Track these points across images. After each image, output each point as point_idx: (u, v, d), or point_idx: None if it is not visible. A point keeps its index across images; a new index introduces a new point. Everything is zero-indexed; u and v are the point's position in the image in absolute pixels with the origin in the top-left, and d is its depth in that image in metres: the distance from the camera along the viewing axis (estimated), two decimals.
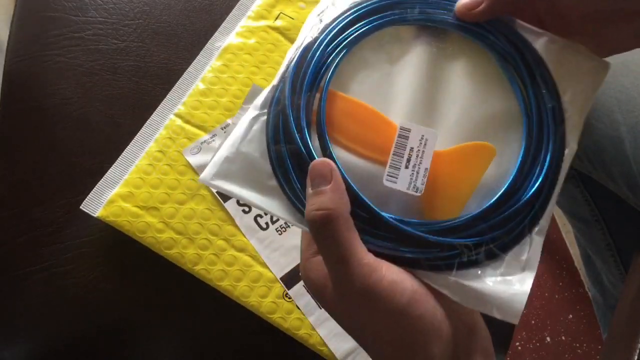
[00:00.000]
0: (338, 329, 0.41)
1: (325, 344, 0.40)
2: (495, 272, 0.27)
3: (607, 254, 0.59)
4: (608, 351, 0.49)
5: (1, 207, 0.41)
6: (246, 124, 0.29)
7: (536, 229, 0.28)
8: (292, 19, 0.46)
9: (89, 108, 0.44)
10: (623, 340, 0.47)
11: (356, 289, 0.24)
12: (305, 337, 0.40)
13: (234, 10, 0.46)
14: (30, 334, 0.40)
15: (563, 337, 1.03)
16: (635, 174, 0.49)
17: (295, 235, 0.42)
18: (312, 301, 0.41)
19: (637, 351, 0.45)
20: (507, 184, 0.29)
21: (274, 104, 0.29)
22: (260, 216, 0.42)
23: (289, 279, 0.41)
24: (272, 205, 0.28)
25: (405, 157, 0.28)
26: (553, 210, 0.29)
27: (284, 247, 0.41)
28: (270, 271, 0.41)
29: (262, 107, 0.29)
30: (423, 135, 0.29)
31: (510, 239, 0.28)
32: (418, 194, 0.28)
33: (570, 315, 1.04)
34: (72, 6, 0.46)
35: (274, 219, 0.42)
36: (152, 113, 0.43)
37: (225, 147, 0.29)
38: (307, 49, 0.30)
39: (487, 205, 0.28)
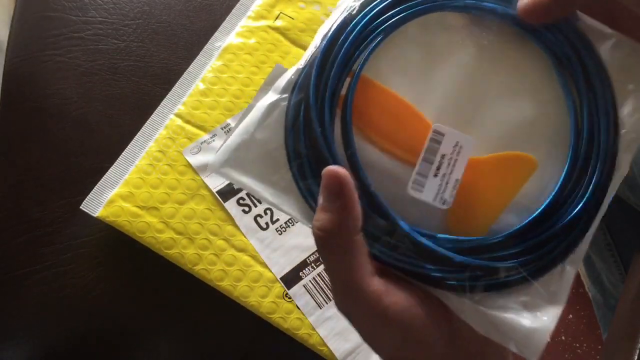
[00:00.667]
0: (338, 329, 0.41)
1: (325, 344, 0.40)
2: (518, 301, 0.25)
3: (607, 254, 0.59)
4: (608, 351, 0.49)
5: (1, 207, 0.41)
6: (264, 109, 0.26)
7: (570, 257, 0.25)
8: (292, 19, 0.46)
9: (89, 108, 0.44)
10: (623, 340, 0.47)
11: (358, 314, 0.24)
12: (305, 337, 0.40)
13: (233, 10, 0.46)
14: (30, 334, 0.40)
15: (563, 337, 1.03)
16: (635, 174, 0.49)
17: (295, 236, 0.42)
18: (312, 301, 0.41)
19: (637, 351, 0.45)
20: (545, 204, 0.25)
21: (297, 89, 0.26)
22: (260, 216, 0.42)
23: (289, 279, 0.41)
24: (284, 201, 0.25)
25: (435, 164, 0.25)
26: (591, 238, 0.26)
27: (284, 247, 0.41)
28: (270, 271, 0.41)
29: (284, 90, 0.26)
30: (458, 142, 0.25)
31: (540, 265, 0.25)
32: (444, 207, 0.25)
33: (570, 315, 1.04)
34: (72, 6, 0.46)
35: (274, 218, 0.42)
36: (152, 113, 0.43)
37: (239, 132, 0.26)
38: (340, 29, 0.26)
39: (520, 225, 0.25)
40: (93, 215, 0.40)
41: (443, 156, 0.25)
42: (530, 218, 0.25)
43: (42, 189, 0.42)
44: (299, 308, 0.40)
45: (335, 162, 0.24)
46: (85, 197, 0.40)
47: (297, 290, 0.41)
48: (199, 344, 0.41)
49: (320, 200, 0.23)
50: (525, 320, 0.24)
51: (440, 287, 0.24)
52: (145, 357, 0.41)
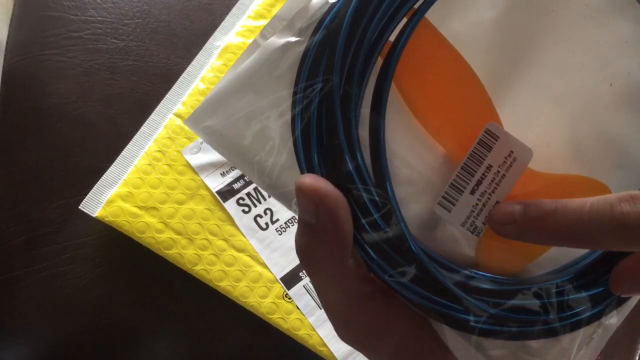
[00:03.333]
0: None
1: (325, 345, 0.40)
2: (532, 356, 0.20)
3: None
4: (608, 351, 0.49)
5: None
6: (271, 52, 0.18)
7: (611, 316, 0.20)
8: None
9: (88, 108, 0.44)
10: (623, 340, 0.47)
11: (351, 339, 0.21)
12: (306, 337, 0.40)
13: (233, 9, 0.46)
14: (29, 334, 0.40)
15: None
16: None
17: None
18: (312, 301, 0.41)
19: (638, 351, 0.45)
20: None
21: (322, 30, 0.18)
22: (260, 216, 0.42)
23: (289, 280, 0.41)
24: (277, 185, 0.19)
25: (477, 177, 0.19)
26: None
27: (284, 247, 0.41)
28: (270, 271, 0.41)
29: (302, 32, 0.19)
30: (512, 153, 0.19)
31: (574, 321, 0.19)
32: (473, 237, 0.20)
33: None
34: (71, 5, 0.46)
35: (274, 218, 0.42)
36: (151, 113, 0.43)
37: (234, 79, 0.19)
38: None
39: (569, 273, 0.20)
40: (92, 215, 0.40)
41: (489, 168, 0.19)
42: (580, 263, 0.20)
43: (41, 189, 0.42)
44: (299, 308, 0.40)
45: (351, 148, 0.18)
46: (85, 197, 0.40)
47: (297, 290, 0.41)
48: (199, 344, 0.41)
49: (298, 214, 0.19)
50: None
51: (445, 323, 0.19)
52: (145, 357, 0.41)
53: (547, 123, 0.20)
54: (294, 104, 0.18)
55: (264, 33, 0.19)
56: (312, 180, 0.18)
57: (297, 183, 0.18)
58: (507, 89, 0.20)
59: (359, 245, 0.19)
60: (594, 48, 0.20)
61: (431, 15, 0.19)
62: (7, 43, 0.45)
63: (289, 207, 0.20)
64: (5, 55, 0.44)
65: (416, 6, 0.18)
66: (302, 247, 0.19)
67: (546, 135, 0.20)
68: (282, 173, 0.19)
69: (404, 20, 0.19)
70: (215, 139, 0.19)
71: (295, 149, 0.19)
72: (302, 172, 0.19)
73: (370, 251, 0.19)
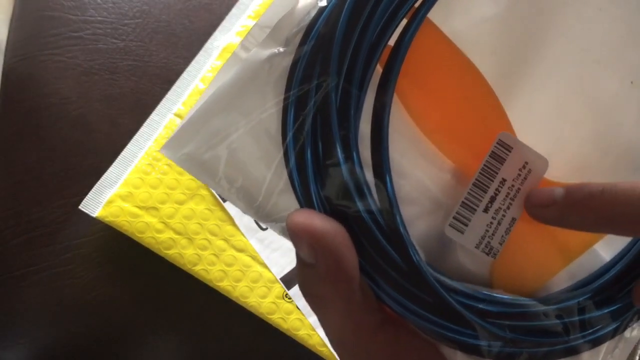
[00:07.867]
0: None
1: (325, 345, 0.40)
2: None
3: None
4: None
5: None
6: (255, 66, 0.16)
7: (633, 329, 0.19)
8: None
9: (88, 108, 0.44)
10: None
11: None
12: (306, 337, 0.40)
13: (233, 9, 0.46)
14: (29, 335, 0.40)
15: None
16: None
17: None
18: None
19: (638, 352, 0.44)
20: (625, 260, 0.18)
21: (313, 37, 0.16)
22: None
23: (289, 280, 0.41)
24: (272, 210, 0.17)
25: (490, 193, 0.17)
26: None
27: (284, 247, 0.41)
28: (270, 271, 0.41)
29: (289, 41, 0.16)
30: (527, 164, 0.17)
31: (595, 338, 0.18)
32: (490, 258, 0.18)
33: None
34: (71, 5, 0.46)
35: None
36: (151, 113, 0.43)
37: (215, 99, 0.16)
38: None
39: (587, 290, 0.18)
40: (92, 215, 0.40)
41: (503, 182, 0.18)
42: (600, 279, 0.18)
43: (41, 189, 0.42)
44: (299, 308, 0.40)
45: (352, 168, 0.16)
46: (84, 197, 0.40)
47: (297, 290, 0.41)
48: (199, 344, 0.41)
49: (295, 252, 0.17)
50: None
51: (461, 351, 0.18)
52: (145, 357, 0.41)
53: (560, 127, 0.18)
54: (284, 124, 0.16)
55: (245, 44, 0.17)
56: (304, 218, 0.16)
57: (289, 223, 0.16)
58: (516, 92, 0.18)
59: (365, 273, 0.17)
60: (610, 43, 0.18)
61: (431, 14, 0.17)
62: (7, 43, 0.45)
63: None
64: (5, 56, 0.44)
65: (417, 5, 0.16)
66: (303, 284, 0.18)
67: (559, 140, 0.18)
68: (277, 199, 0.17)
69: (404, 21, 0.17)
70: (196, 167, 0.17)
71: (290, 176, 0.16)
72: (297, 199, 0.17)
73: (377, 279, 0.17)
